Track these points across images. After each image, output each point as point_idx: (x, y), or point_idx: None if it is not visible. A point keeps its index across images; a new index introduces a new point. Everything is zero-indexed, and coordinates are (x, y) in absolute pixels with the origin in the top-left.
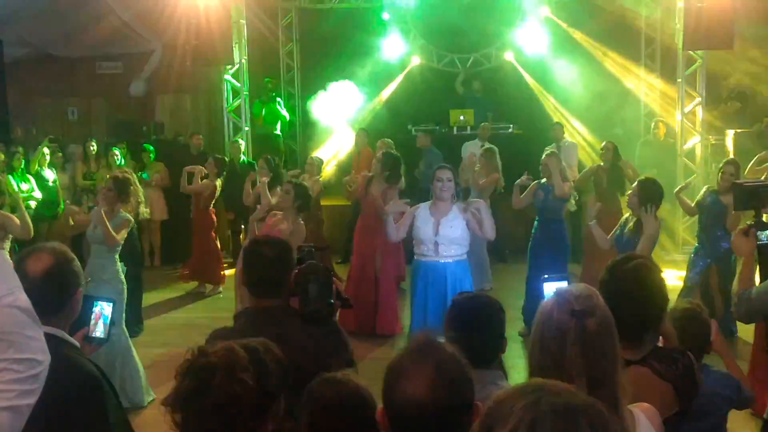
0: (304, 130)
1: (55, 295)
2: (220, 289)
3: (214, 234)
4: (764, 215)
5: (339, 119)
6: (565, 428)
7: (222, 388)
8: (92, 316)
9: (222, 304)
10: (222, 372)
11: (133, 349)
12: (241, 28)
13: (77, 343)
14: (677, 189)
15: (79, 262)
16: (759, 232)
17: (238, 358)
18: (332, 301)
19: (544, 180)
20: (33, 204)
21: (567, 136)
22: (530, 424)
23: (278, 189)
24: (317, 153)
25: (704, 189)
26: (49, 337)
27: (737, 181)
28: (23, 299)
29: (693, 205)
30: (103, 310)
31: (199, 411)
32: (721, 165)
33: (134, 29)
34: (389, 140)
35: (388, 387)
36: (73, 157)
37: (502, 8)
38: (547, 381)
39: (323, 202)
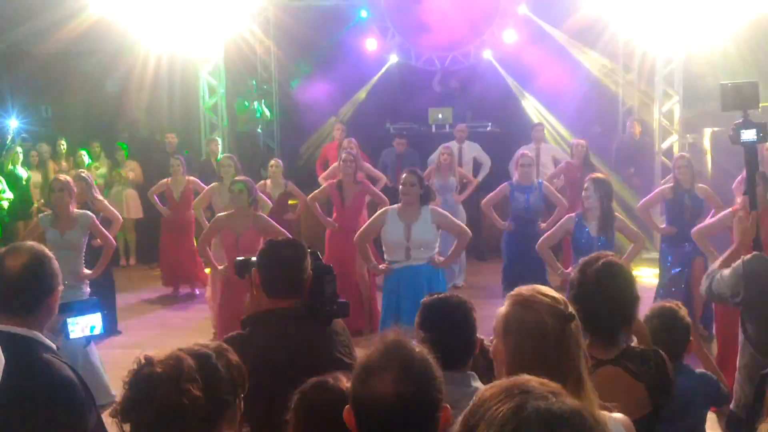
0: (281, 127)
1: (32, 293)
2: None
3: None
4: None
5: (316, 117)
6: None
7: (166, 400)
8: (77, 323)
9: (197, 305)
10: (166, 383)
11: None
12: (218, 26)
13: (53, 345)
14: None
15: (57, 263)
16: (743, 130)
17: (183, 367)
18: (345, 301)
19: (514, 180)
20: (5, 204)
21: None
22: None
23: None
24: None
25: (664, 189)
26: (24, 339)
27: (724, 82)
28: None
29: (662, 224)
30: (90, 321)
31: (144, 422)
32: (674, 163)
33: (110, 25)
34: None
35: (356, 385)
36: (42, 155)
37: (481, 6)
38: (534, 380)
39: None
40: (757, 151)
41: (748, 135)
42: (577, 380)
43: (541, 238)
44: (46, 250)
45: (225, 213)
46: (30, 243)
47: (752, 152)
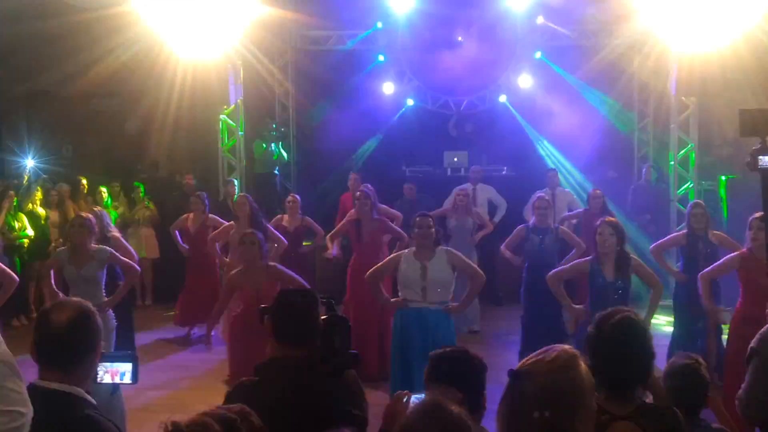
0: (298, 170)
1: (76, 349)
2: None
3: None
4: None
5: (334, 159)
6: None
7: None
8: (107, 370)
9: (214, 346)
10: None
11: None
12: (238, 69)
13: (94, 401)
14: None
15: (100, 319)
16: (762, 156)
17: None
18: (355, 351)
19: (531, 224)
20: (26, 242)
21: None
22: None
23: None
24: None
25: (678, 235)
26: (66, 395)
27: (743, 108)
28: (4, 351)
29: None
30: (121, 369)
31: None
32: (689, 210)
33: (132, 69)
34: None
35: None
36: (61, 195)
37: (497, 51)
38: None
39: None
40: None
41: (767, 161)
42: None
43: (552, 272)
44: (91, 306)
45: (236, 270)
46: (75, 299)
47: None
